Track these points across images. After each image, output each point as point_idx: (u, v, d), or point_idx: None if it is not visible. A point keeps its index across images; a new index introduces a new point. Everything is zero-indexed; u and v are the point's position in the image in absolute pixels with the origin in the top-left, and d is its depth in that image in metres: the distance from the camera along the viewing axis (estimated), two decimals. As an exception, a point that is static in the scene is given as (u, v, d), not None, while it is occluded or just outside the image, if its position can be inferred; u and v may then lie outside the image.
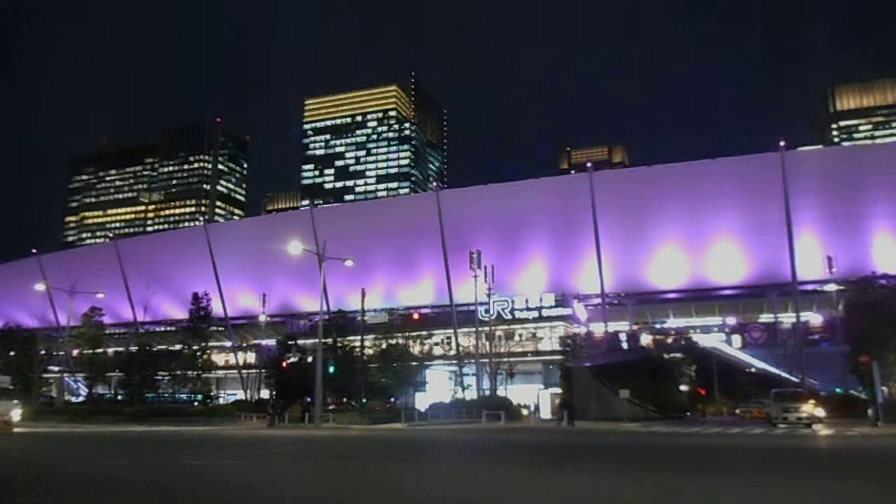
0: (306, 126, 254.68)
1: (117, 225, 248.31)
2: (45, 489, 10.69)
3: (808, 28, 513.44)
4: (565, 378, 50.22)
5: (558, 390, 55.32)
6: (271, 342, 66.26)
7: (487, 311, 59.57)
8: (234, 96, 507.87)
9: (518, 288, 65.75)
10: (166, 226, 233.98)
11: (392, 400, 56.15)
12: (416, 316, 64.78)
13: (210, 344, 62.70)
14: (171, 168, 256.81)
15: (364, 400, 50.43)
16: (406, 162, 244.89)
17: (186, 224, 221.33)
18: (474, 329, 55.81)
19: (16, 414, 33.65)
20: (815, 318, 62.99)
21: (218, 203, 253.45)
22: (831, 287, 54.87)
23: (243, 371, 73.71)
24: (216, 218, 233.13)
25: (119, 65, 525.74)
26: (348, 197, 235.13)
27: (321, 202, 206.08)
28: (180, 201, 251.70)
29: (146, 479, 12.19)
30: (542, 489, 10.30)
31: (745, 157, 62.09)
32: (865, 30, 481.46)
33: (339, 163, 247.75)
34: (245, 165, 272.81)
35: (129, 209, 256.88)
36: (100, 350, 68.19)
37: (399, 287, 71.96)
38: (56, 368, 73.90)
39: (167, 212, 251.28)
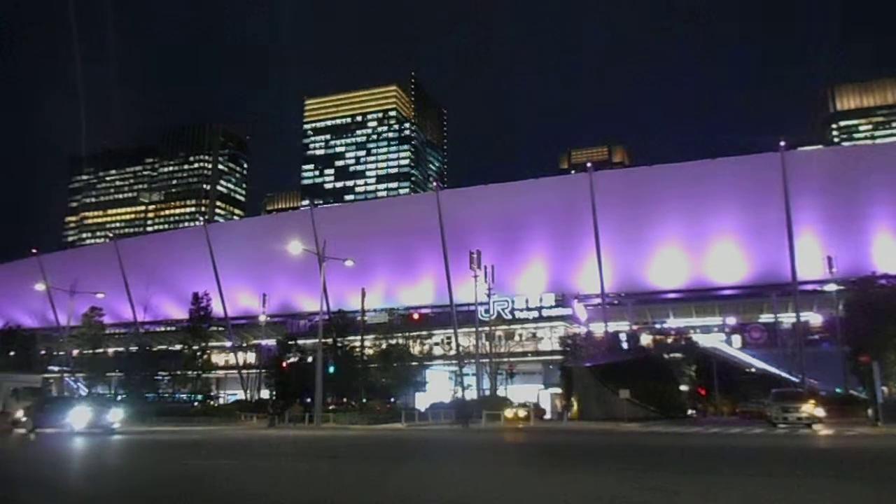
0: (306, 126, 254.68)
1: (117, 225, 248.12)
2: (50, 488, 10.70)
3: (808, 28, 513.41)
4: (565, 378, 50.26)
5: (558, 390, 55.41)
6: (271, 342, 66.30)
7: (487, 311, 59.60)
8: (234, 96, 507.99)
9: (518, 288, 65.78)
10: (166, 226, 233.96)
11: (392, 400, 56.19)
12: (416, 316, 64.85)
13: (210, 344, 62.79)
14: (171, 168, 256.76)
15: (364, 400, 50.45)
16: (406, 162, 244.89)
17: (186, 224, 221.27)
18: (474, 329, 55.81)
19: None
20: (815, 318, 63.02)
21: (218, 203, 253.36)
22: (831, 287, 54.85)
23: (243, 371, 73.75)
24: (216, 218, 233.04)
25: (119, 65, 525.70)
26: (348, 197, 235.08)
27: (321, 202, 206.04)
28: (180, 201, 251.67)
29: (148, 477, 12.20)
30: (540, 489, 10.30)
31: (745, 157, 62.12)
32: (865, 30, 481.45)
33: (339, 163, 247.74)
34: (245, 165, 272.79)
35: (129, 209, 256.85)
36: (100, 350, 68.26)
37: (399, 287, 71.99)
38: (56, 368, 73.93)
39: (167, 212, 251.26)
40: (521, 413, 43.80)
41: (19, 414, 34.49)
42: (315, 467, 14.36)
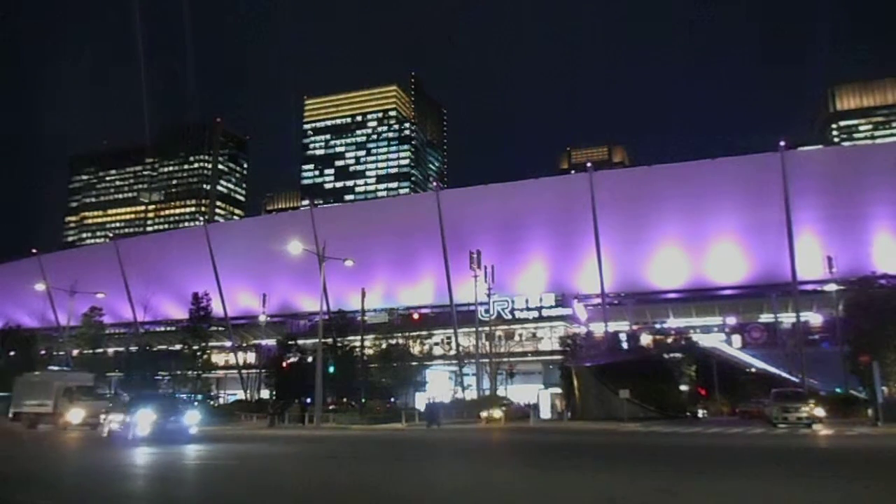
0: (306, 126, 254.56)
1: (117, 225, 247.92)
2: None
3: (808, 28, 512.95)
4: (565, 378, 50.25)
5: (558, 390, 55.42)
6: (271, 342, 66.24)
7: (487, 311, 59.59)
8: (234, 96, 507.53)
9: (518, 288, 65.75)
10: (166, 226, 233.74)
11: (392, 400, 56.16)
12: (416, 316, 64.83)
13: (210, 344, 62.69)
14: (171, 168, 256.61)
15: (364, 400, 50.45)
16: (406, 162, 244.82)
17: (186, 224, 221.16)
18: (474, 329, 55.86)
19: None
20: (815, 318, 62.95)
21: (218, 203, 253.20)
22: (831, 287, 54.83)
23: (243, 371, 73.67)
24: (216, 218, 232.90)
25: (119, 65, 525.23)
26: (348, 197, 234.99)
27: (321, 202, 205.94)
28: (180, 201, 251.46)
29: (155, 474, 12.21)
30: (541, 489, 10.30)
31: (745, 157, 62.08)
32: (865, 30, 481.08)
33: (339, 163, 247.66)
34: (245, 165, 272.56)
35: (129, 209, 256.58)
36: (100, 350, 68.24)
37: (399, 287, 71.95)
38: (56, 368, 73.83)
39: (167, 212, 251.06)
40: (497, 414, 42.63)
41: (76, 414, 32.47)
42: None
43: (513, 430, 33.18)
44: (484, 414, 41.97)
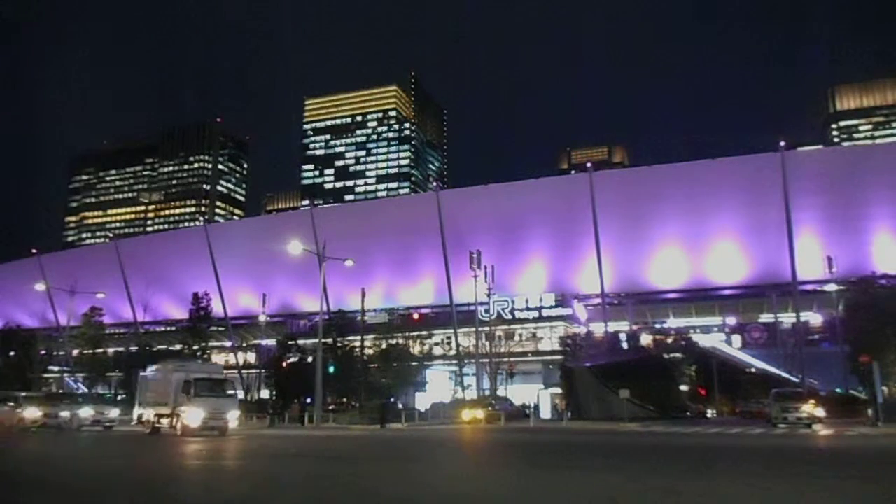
0: (306, 126, 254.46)
1: (117, 225, 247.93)
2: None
3: (807, 28, 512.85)
4: (565, 378, 50.27)
5: (558, 390, 55.44)
6: (271, 342, 66.25)
7: (487, 311, 59.61)
8: (234, 96, 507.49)
9: (518, 288, 65.79)
10: (166, 226, 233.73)
11: (392, 400, 56.17)
12: (416, 316, 64.88)
13: (210, 344, 62.76)
14: (171, 168, 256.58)
15: (362, 401, 50.45)
16: (406, 162, 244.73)
17: (186, 224, 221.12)
18: (474, 329, 55.86)
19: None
20: (815, 318, 63.04)
21: (218, 203, 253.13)
22: (831, 287, 54.88)
23: (243, 371, 73.67)
24: (216, 218, 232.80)
25: (119, 65, 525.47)
26: (348, 197, 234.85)
27: (321, 202, 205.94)
28: (180, 201, 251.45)
29: (149, 477, 12.21)
30: (541, 489, 10.29)
31: (745, 157, 62.17)
32: (865, 30, 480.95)
33: (339, 163, 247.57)
34: (245, 165, 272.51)
35: (129, 209, 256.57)
36: (100, 350, 68.23)
37: (399, 287, 71.98)
38: (56, 368, 73.94)
39: (167, 212, 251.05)
40: (480, 414, 41.75)
41: (194, 414, 26.16)
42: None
43: (510, 431, 33.15)
44: (468, 416, 41.52)
